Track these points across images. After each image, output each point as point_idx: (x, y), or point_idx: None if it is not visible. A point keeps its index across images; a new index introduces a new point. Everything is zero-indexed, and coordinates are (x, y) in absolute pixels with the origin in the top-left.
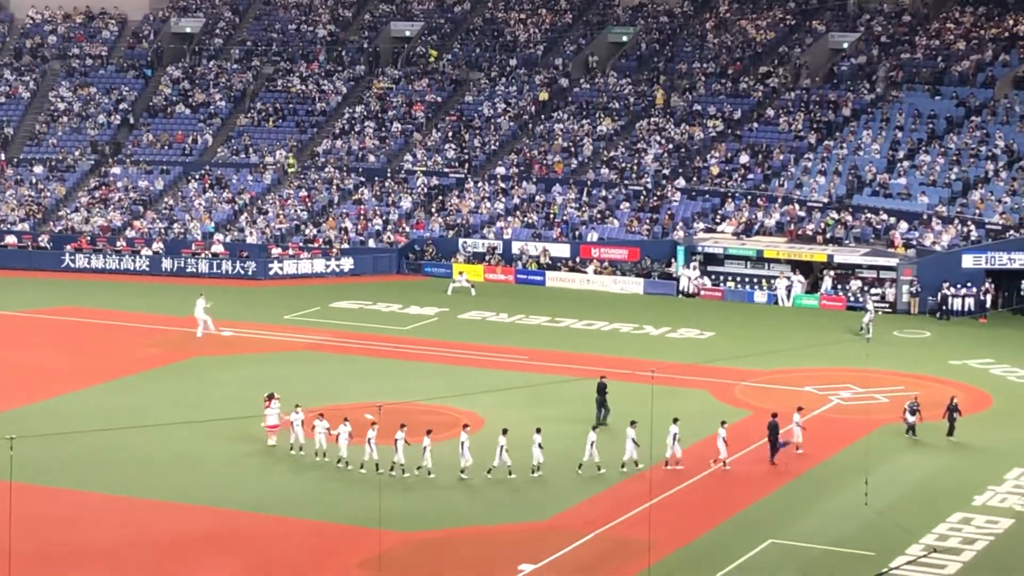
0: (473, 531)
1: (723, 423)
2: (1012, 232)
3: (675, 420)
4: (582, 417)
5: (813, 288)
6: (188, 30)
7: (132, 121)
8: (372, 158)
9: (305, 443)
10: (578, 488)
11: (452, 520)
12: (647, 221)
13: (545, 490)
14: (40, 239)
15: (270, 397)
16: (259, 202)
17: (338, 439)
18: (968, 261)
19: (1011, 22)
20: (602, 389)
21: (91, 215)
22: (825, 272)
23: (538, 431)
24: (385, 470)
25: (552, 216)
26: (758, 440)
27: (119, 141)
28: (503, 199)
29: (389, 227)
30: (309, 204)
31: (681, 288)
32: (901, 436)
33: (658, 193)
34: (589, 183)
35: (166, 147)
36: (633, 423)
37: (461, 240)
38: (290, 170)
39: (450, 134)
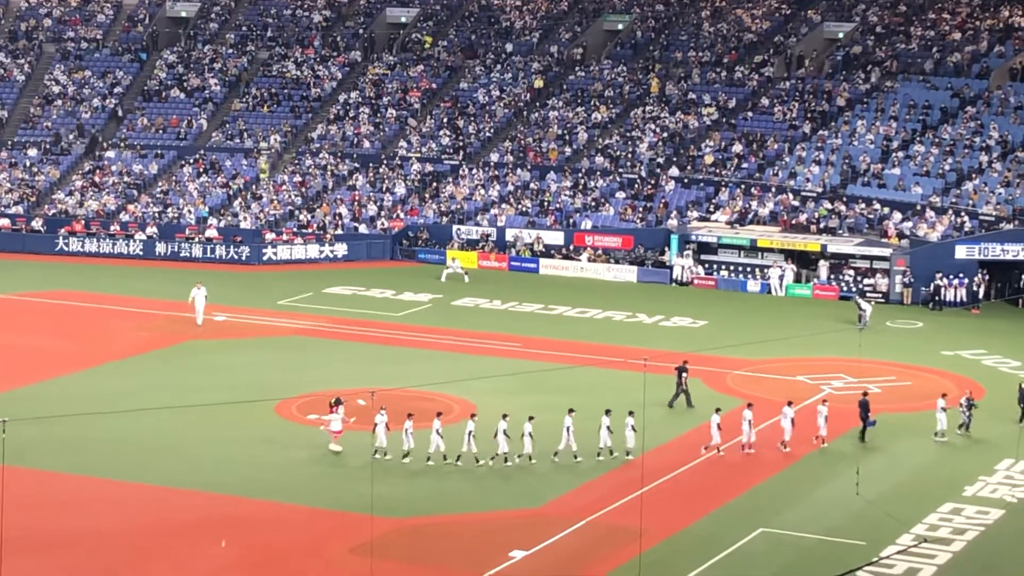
0: (465, 517)
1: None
2: (1005, 223)
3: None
4: (573, 404)
5: (805, 278)
6: (183, 14)
7: (120, 113)
8: (367, 144)
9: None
10: (570, 475)
11: (444, 506)
12: (641, 209)
13: (537, 477)
14: (34, 222)
15: (337, 403)
16: (253, 187)
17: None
18: (961, 252)
19: (1006, 13)
20: (682, 372)
21: (85, 199)
22: (820, 262)
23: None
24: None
25: (546, 204)
26: (751, 428)
27: (108, 131)
28: (497, 186)
29: (383, 213)
30: (303, 190)
31: (675, 276)
32: (892, 425)
33: (652, 181)
34: (583, 171)
35: (160, 131)
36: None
37: (455, 227)
38: (262, 175)
39: (445, 121)
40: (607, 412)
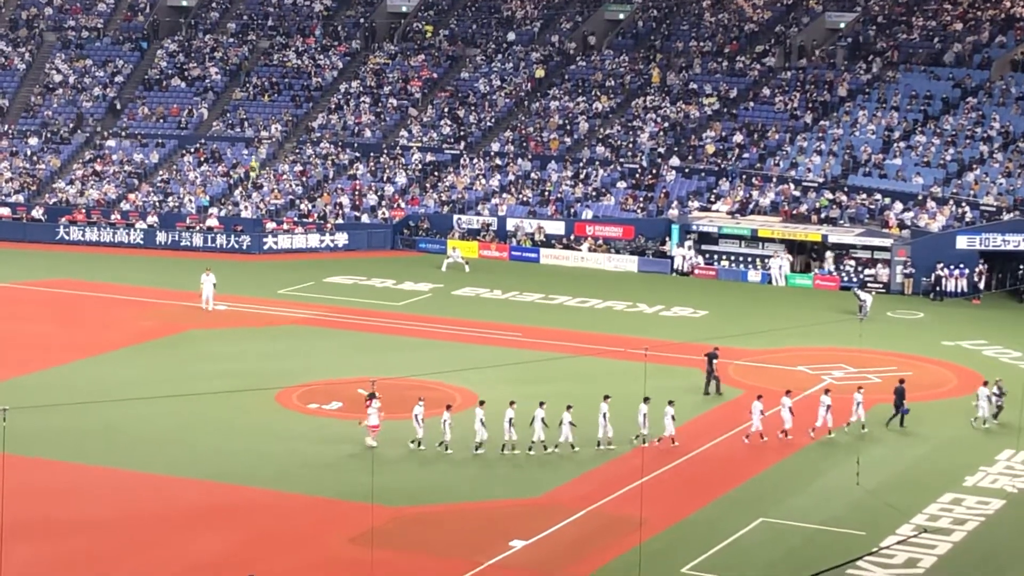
0: (465, 507)
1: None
2: (1006, 213)
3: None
4: (575, 394)
5: (806, 268)
6: (184, 3)
7: (119, 106)
8: (368, 133)
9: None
10: (571, 465)
11: (444, 495)
12: (642, 199)
13: (538, 467)
14: (34, 211)
15: (371, 397)
16: (254, 176)
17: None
18: (962, 242)
19: (1008, 4)
20: (712, 359)
21: (86, 188)
22: (826, 252)
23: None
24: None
25: (547, 193)
26: (749, 420)
27: (106, 123)
28: (498, 176)
29: (384, 203)
30: (304, 179)
31: (675, 266)
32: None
33: (653, 171)
34: (584, 161)
35: (161, 120)
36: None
37: (456, 216)
38: (252, 173)
39: (446, 110)
40: (606, 398)
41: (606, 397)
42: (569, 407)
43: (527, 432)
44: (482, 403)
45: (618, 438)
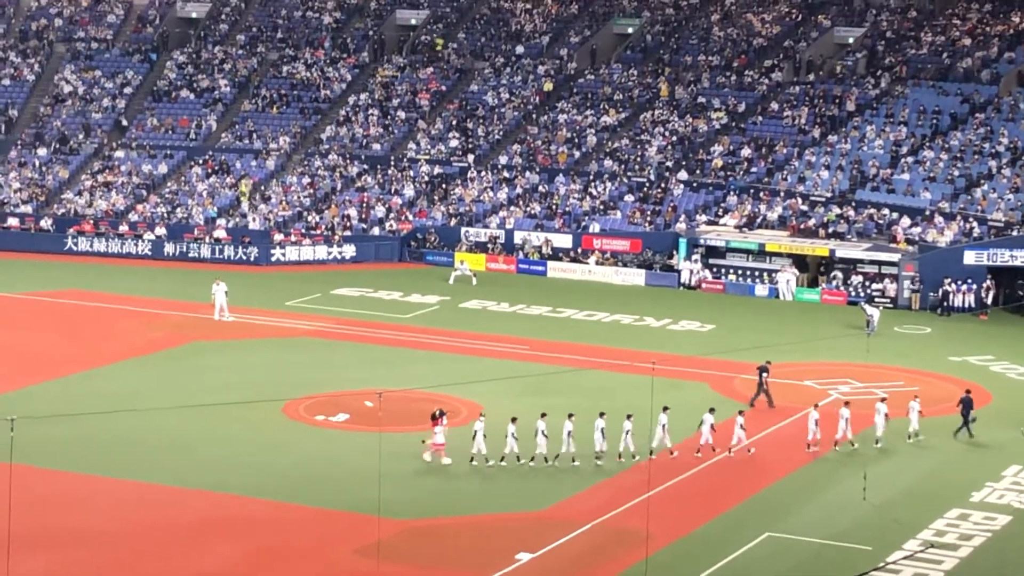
0: (471, 519)
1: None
2: (1014, 229)
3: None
4: (582, 407)
5: (813, 283)
6: (194, 15)
7: (124, 123)
8: (376, 146)
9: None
10: (577, 478)
11: (450, 508)
12: (649, 213)
13: (544, 480)
14: (43, 222)
15: (440, 415)
16: (262, 188)
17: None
18: (970, 257)
19: (1017, 19)
20: (763, 372)
21: (94, 198)
22: (834, 267)
23: (601, 415)
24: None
25: (555, 206)
26: (756, 433)
27: (113, 136)
28: (506, 188)
29: (392, 215)
30: (312, 191)
31: (683, 280)
32: (900, 431)
33: (661, 185)
34: (592, 174)
35: (170, 132)
36: (665, 409)
37: (463, 229)
38: (242, 199)
39: (454, 123)
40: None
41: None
42: (571, 415)
43: (531, 444)
44: (514, 419)
45: (612, 452)
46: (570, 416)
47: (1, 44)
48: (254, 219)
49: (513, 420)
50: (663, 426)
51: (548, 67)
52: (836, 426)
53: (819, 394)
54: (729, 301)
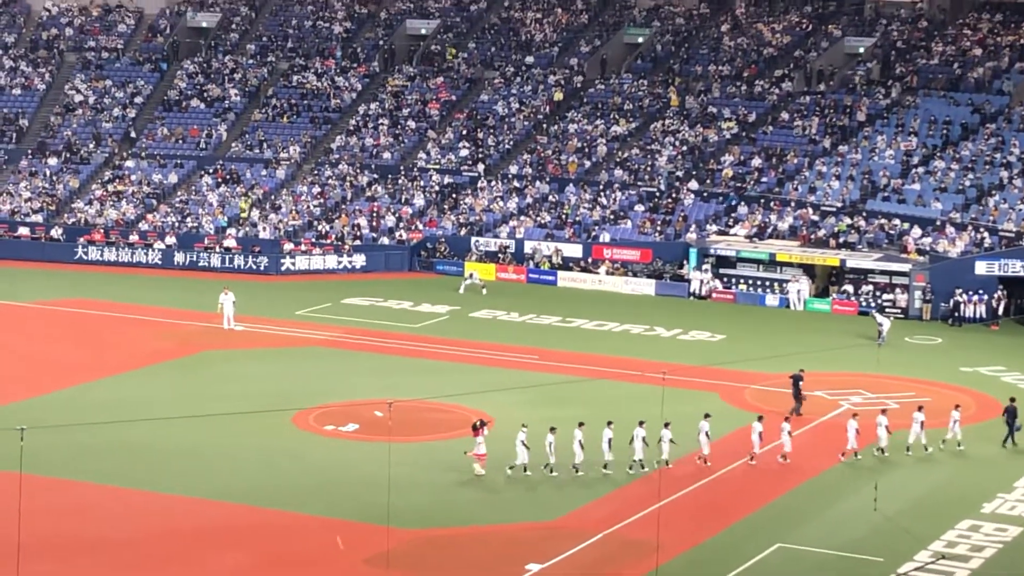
0: (481, 529)
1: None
2: None
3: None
4: (593, 417)
5: (824, 293)
6: (204, 24)
7: (133, 134)
8: (386, 155)
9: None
10: (587, 488)
11: (460, 518)
12: (660, 222)
13: (554, 490)
14: (53, 231)
15: (481, 425)
16: (272, 197)
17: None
18: (981, 268)
19: None
20: (797, 381)
21: (104, 208)
22: (845, 278)
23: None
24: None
25: (565, 216)
26: (767, 444)
27: (123, 147)
28: (516, 198)
29: (402, 224)
30: (322, 200)
31: (693, 290)
32: (918, 442)
33: (671, 195)
34: (602, 184)
35: (180, 141)
36: (667, 424)
37: (473, 239)
38: (242, 215)
39: (464, 132)
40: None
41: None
42: (581, 424)
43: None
44: (553, 429)
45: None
46: (580, 424)
47: (12, 54)
48: (264, 228)
49: (552, 430)
50: (706, 433)
51: (558, 77)
52: (846, 436)
53: (831, 404)
54: (740, 311)
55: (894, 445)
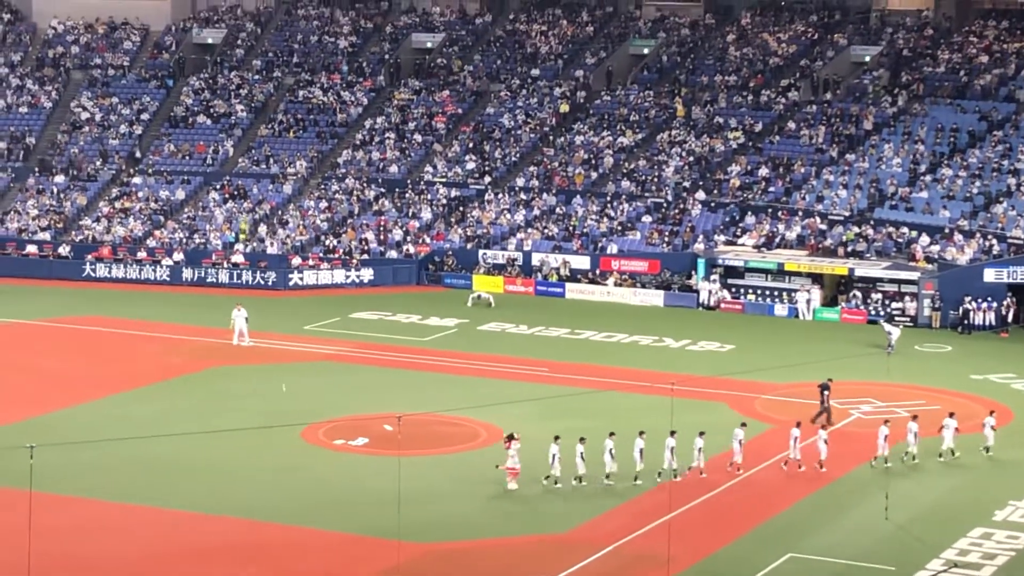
0: (492, 543)
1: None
2: None
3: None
4: (602, 429)
5: (832, 302)
6: (210, 41)
7: (138, 154)
8: (393, 169)
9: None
10: (597, 501)
11: (471, 532)
12: (668, 233)
13: (564, 502)
14: (61, 248)
15: (510, 438)
16: (279, 212)
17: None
18: (990, 275)
19: None
20: (824, 390)
21: (112, 225)
22: (853, 287)
23: (611, 435)
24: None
25: (572, 228)
26: (778, 453)
27: (129, 165)
28: (523, 211)
29: (409, 238)
30: (329, 215)
31: (701, 301)
32: (921, 450)
33: (679, 205)
34: (610, 195)
35: (187, 157)
36: (673, 433)
37: (481, 251)
38: (242, 235)
39: (471, 145)
40: (672, 433)
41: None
42: (582, 439)
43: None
44: (582, 439)
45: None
46: (582, 440)
47: (19, 72)
48: (272, 244)
49: (582, 440)
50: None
51: (564, 89)
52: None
53: (842, 413)
54: (748, 321)
55: (924, 451)
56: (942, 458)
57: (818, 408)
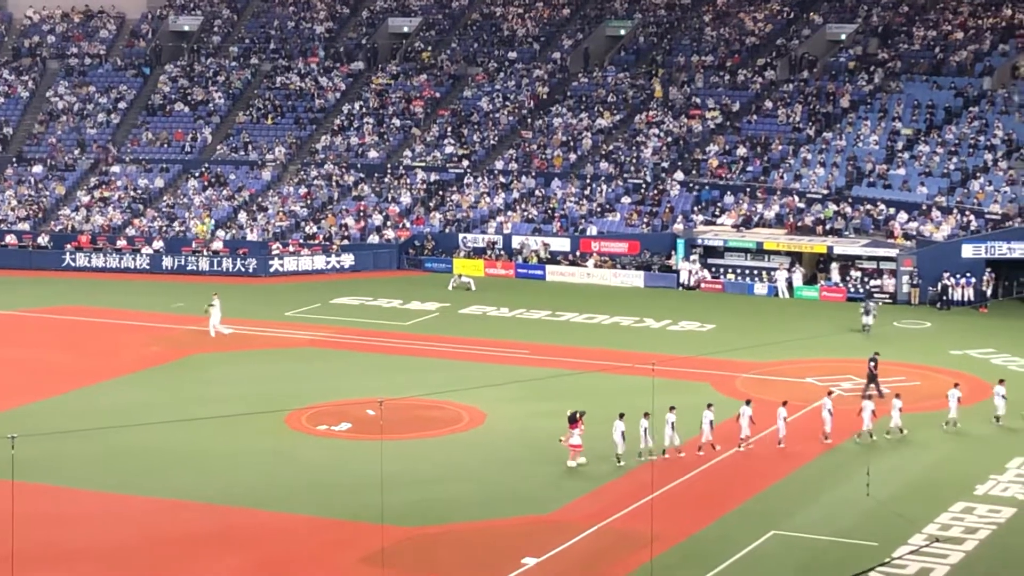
0: (476, 525)
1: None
2: (1011, 221)
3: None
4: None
5: (812, 280)
6: (186, 28)
7: (113, 150)
8: (372, 154)
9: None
10: (581, 481)
11: (455, 514)
12: (647, 214)
13: (548, 483)
14: (40, 238)
15: (580, 416)
16: (259, 199)
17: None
18: (968, 251)
19: (1008, 12)
20: (872, 362)
21: (91, 214)
22: (832, 264)
23: (621, 416)
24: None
25: (552, 210)
26: (761, 431)
27: (102, 159)
28: (503, 194)
29: (389, 223)
30: (309, 201)
31: (681, 281)
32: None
33: (657, 186)
34: (589, 177)
35: (165, 145)
36: (672, 408)
37: (461, 235)
38: (200, 234)
39: (449, 129)
40: (671, 409)
41: (621, 415)
42: (647, 414)
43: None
44: (647, 414)
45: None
46: (672, 409)
47: None
48: (251, 230)
49: (646, 415)
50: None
51: (541, 71)
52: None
53: (821, 391)
54: (728, 300)
55: (928, 422)
56: (946, 427)
57: (865, 382)
